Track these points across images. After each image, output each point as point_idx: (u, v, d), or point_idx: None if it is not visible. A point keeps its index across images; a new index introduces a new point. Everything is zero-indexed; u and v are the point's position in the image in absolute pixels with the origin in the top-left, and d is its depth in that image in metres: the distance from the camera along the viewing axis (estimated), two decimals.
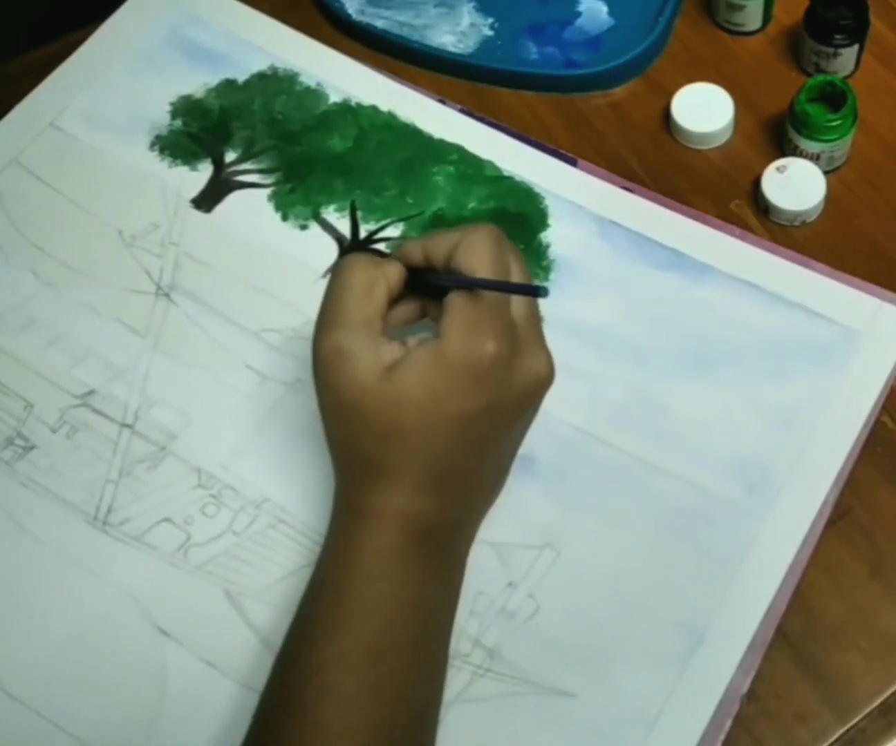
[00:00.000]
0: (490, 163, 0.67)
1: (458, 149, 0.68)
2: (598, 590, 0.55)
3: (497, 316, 0.48)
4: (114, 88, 0.72)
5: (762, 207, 0.65)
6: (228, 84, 0.72)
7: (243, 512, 0.57)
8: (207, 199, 0.67)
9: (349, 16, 0.74)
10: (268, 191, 0.67)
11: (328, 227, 0.66)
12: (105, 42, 0.73)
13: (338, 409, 0.50)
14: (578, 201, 0.66)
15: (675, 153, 0.68)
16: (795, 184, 0.64)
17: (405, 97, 0.70)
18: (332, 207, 0.67)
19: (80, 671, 0.54)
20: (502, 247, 0.50)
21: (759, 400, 0.59)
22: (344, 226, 0.66)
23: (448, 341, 0.48)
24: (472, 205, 0.66)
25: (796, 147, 0.66)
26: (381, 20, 0.74)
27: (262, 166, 0.68)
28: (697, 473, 0.57)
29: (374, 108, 0.70)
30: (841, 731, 0.52)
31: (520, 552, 0.55)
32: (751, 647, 0.53)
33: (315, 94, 0.71)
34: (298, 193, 0.67)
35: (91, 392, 0.61)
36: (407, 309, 0.53)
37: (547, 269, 0.63)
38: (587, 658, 0.53)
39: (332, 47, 0.72)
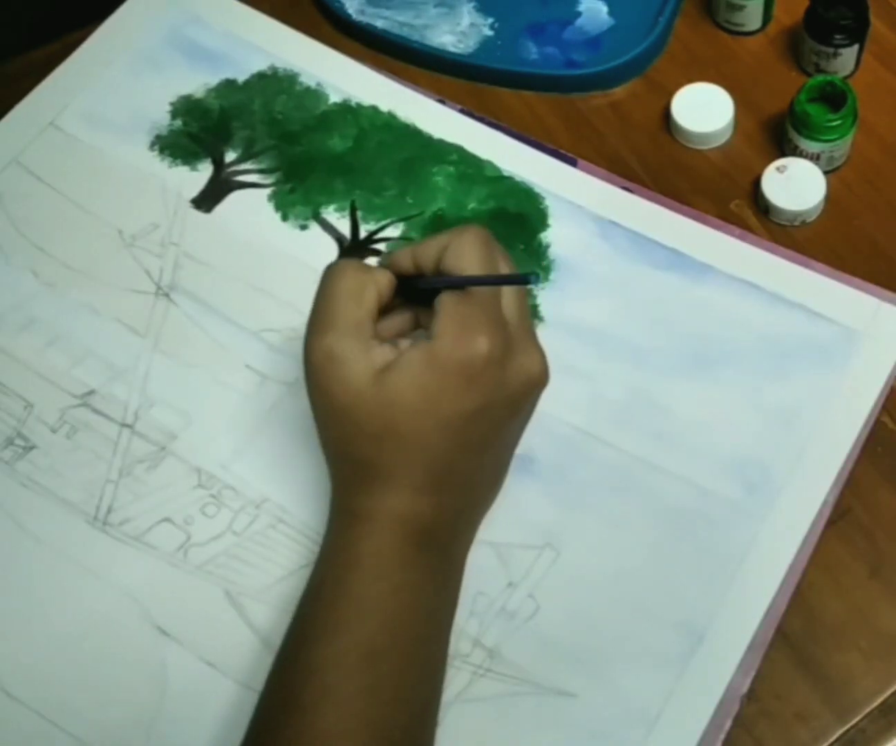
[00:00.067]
0: (490, 164, 0.67)
1: (458, 150, 0.68)
2: (598, 590, 0.55)
3: (489, 313, 0.48)
4: (114, 88, 0.72)
5: (762, 207, 0.65)
6: (228, 84, 0.72)
7: (243, 512, 0.57)
8: (207, 199, 0.67)
9: (349, 16, 0.75)
10: (268, 191, 0.67)
11: (328, 227, 0.66)
12: (105, 42, 0.73)
13: (330, 413, 0.49)
14: (578, 201, 0.66)
15: (675, 153, 0.68)
16: (795, 184, 0.64)
17: (405, 97, 0.70)
18: (332, 207, 0.67)
19: (81, 671, 0.54)
20: (491, 247, 0.50)
21: (759, 401, 0.59)
22: (344, 226, 0.66)
23: (440, 341, 0.47)
24: (472, 205, 0.66)
25: (796, 147, 0.66)
26: (381, 20, 0.74)
27: (262, 166, 0.68)
28: (697, 473, 0.57)
29: (374, 108, 0.70)
30: (841, 731, 0.52)
31: (520, 552, 0.55)
32: (751, 647, 0.53)
33: (315, 94, 0.71)
34: (298, 193, 0.67)
35: (91, 392, 0.61)
36: (399, 319, 0.53)
37: (547, 269, 0.63)
38: (587, 658, 0.53)
39: (332, 47, 0.72)
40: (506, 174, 0.67)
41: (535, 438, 0.55)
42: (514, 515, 0.56)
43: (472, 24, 0.74)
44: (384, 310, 0.51)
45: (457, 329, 0.47)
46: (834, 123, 0.64)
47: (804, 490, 0.56)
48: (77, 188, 0.68)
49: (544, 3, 0.75)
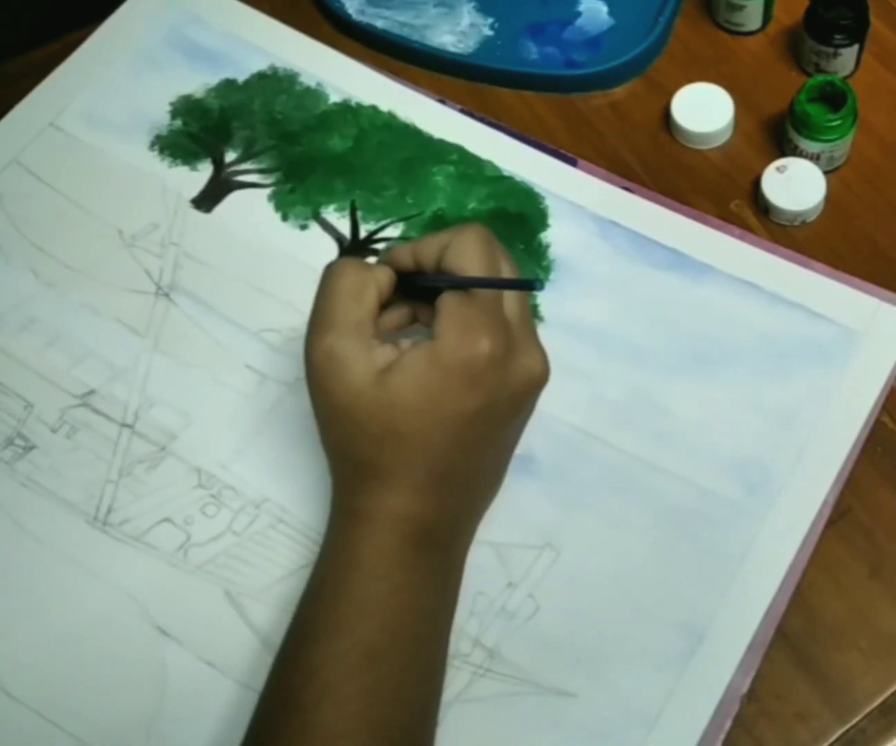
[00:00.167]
0: (490, 163, 0.67)
1: (458, 150, 0.68)
2: (598, 590, 0.55)
3: (490, 314, 0.48)
4: (114, 88, 0.72)
5: (762, 207, 0.65)
6: (228, 84, 0.72)
7: (243, 512, 0.57)
8: (207, 199, 0.67)
9: (349, 16, 0.74)
10: (268, 191, 0.67)
11: (328, 227, 0.66)
12: (105, 42, 0.73)
13: (331, 413, 0.49)
14: (578, 201, 0.66)
15: (675, 153, 0.68)
16: (795, 184, 0.64)
17: (405, 97, 0.70)
18: (332, 207, 0.67)
19: (81, 671, 0.54)
20: (492, 246, 0.50)
21: (759, 400, 0.59)
22: (344, 226, 0.66)
23: (442, 341, 0.47)
24: (472, 205, 0.66)
25: (796, 147, 0.66)
26: (381, 20, 0.74)
27: (262, 166, 0.68)
28: (697, 473, 0.57)
29: (374, 108, 0.70)
30: (841, 731, 0.52)
31: (520, 552, 0.55)
32: (751, 647, 0.53)
33: (315, 94, 0.71)
34: (298, 193, 0.67)
35: (91, 392, 0.61)
36: (398, 314, 0.53)
37: (547, 269, 0.63)
38: (587, 658, 0.53)
39: (332, 47, 0.72)
40: (506, 174, 0.67)
41: (534, 438, 0.55)
42: (513, 515, 0.56)
43: (472, 24, 0.74)
44: (383, 306, 0.51)
45: (459, 329, 0.47)
46: (834, 123, 0.64)
47: (804, 490, 0.56)
48: (77, 188, 0.68)
49: (544, 3, 0.75)
